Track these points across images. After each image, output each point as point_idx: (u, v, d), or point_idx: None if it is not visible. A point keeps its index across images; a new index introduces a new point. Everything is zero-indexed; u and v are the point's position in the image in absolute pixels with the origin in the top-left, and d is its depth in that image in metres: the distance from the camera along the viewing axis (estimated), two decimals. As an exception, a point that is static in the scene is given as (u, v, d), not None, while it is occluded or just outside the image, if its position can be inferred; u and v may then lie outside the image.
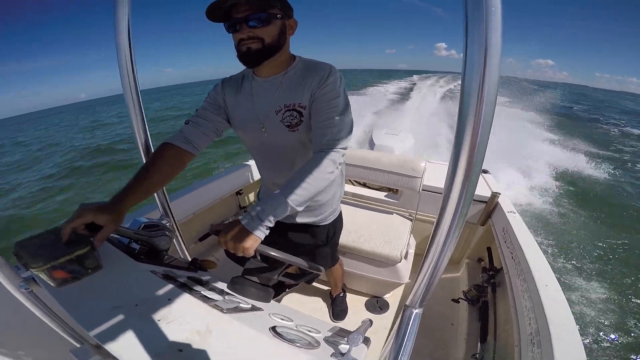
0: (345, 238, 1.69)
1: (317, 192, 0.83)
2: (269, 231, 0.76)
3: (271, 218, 0.75)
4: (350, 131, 0.89)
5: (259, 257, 0.85)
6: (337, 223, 1.27)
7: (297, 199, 0.78)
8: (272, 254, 0.77)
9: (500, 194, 1.87)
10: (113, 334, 0.53)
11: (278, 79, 0.91)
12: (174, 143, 0.90)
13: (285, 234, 1.20)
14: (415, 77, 43.50)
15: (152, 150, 1.03)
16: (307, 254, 1.15)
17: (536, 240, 1.40)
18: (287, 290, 1.31)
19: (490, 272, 1.69)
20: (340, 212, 1.28)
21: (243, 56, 0.83)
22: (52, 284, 0.60)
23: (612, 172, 8.63)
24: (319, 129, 0.87)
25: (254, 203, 1.29)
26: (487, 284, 1.67)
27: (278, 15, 0.82)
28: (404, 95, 18.77)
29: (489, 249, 1.88)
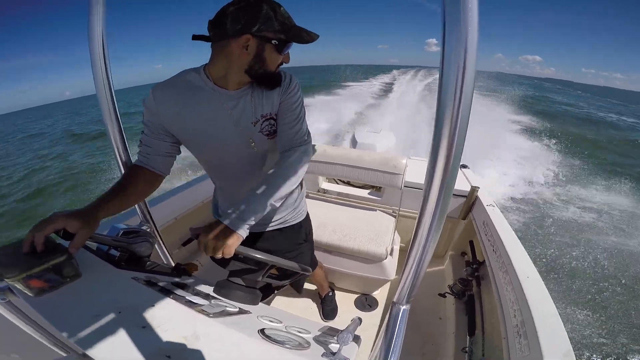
0: (331, 236, 1.70)
1: (295, 185, 0.87)
2: (249, 231, 0.76)
3: (253, 217, 0.75)
4: None
5: (243, 259, 0.84)
6: (308, 218, 1.28)
7: (277, 194, 0.81)
8: (257, 256, 0.76)
9: (479, 187, 1.92)
10: (98, 342, 0.51)
11: (248, 90, 0.88)
12: (141, 166, 0.89)
13: (265, 240, 1.16)
14: (395, 72, 44.89)
15: (130, 155, 1.01)
16: (289, 256, 1.13)
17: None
18: (275, 292, 1.29)
19: (474, 266, 1.73)
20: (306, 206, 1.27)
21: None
22: (29, 294, 0.57)
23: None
24: (289, 128, 0.91)
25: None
26: (472, 277, 1.71)
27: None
28: (385, 92, 19.04)
29: (471, 243, 1.93)
